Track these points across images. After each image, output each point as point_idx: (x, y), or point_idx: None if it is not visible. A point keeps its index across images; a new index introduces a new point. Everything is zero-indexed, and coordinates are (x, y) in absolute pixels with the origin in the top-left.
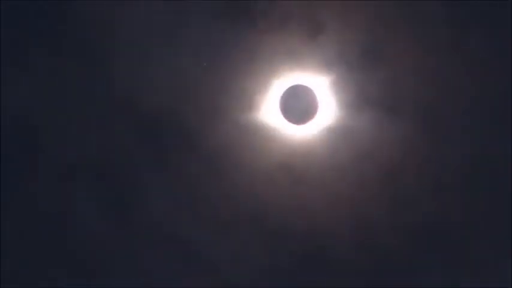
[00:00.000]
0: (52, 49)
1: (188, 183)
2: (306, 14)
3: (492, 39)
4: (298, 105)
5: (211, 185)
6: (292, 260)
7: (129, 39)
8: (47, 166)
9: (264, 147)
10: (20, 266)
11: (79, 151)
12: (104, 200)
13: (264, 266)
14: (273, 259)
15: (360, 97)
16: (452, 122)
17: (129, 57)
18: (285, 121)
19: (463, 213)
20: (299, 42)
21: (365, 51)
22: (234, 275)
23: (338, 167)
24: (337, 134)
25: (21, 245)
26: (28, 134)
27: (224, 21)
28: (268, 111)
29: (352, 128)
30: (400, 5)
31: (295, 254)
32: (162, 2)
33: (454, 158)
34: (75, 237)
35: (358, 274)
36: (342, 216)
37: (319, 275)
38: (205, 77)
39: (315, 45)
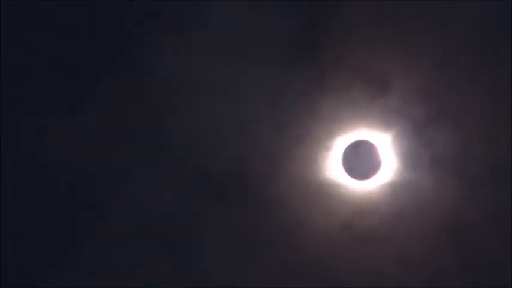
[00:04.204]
0: (113, 107)
1: (251, 239)
2: (372, 72)
3: None
4: (361, 162)
5: (275, 243)
6: None
7: (189, 94)
8: (110, 224)
9: (327, 203)
10: None
11: (142, 210)
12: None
13: None
14: None
15: (424, 154)
16: None
17: (189, 113)
18: (348, 177)
19: None
20: (363, 99)
21: (430, 109)
22: None
23: (401, 223)
24: (400, 191)
25: None
26: (94, 190)
27: (289, 78)
28: (331, 167)
29: (415, 185)
30: (466, 66)
31: None
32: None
33: None
34: None
35: None
36: (409, 276)
37: None
38: (268, 133)
39: (379, 102)
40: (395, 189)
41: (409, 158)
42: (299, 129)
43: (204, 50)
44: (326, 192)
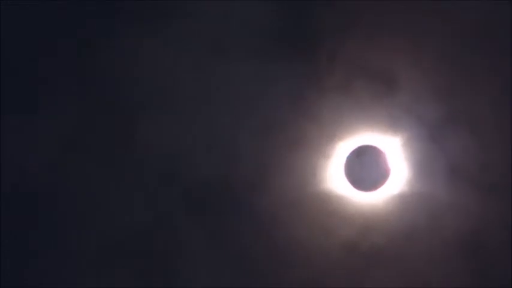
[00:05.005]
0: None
1: (239, 259)
2: (376, 67)
3: None
4: (366, 171)
5: (267, 264)
6: None
7: (168, 96)
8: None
9: (327, 219)
10: None
11: (120, 221)
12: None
13: None
14: None
15: (438, 162)
16: None
17: (167, 117)
18: (352, 189)
19: None
20: (368, 99)
21: (445, 110)
22: None
23: (412, 241)
24: (412, 204)
25: None
26: (69, 203)
27: (281, 75)
28: (331, 178)
29: (429, 197)
30: (485, 61)
31: None
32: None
33: None
34: None
35: None
36: None
37: None
38: (257, 138)
39: (387, 102)
40: (406, 202)
41: (422, 166)
42: (293, 134)
43: (184, 46)
44: (326, 206)
